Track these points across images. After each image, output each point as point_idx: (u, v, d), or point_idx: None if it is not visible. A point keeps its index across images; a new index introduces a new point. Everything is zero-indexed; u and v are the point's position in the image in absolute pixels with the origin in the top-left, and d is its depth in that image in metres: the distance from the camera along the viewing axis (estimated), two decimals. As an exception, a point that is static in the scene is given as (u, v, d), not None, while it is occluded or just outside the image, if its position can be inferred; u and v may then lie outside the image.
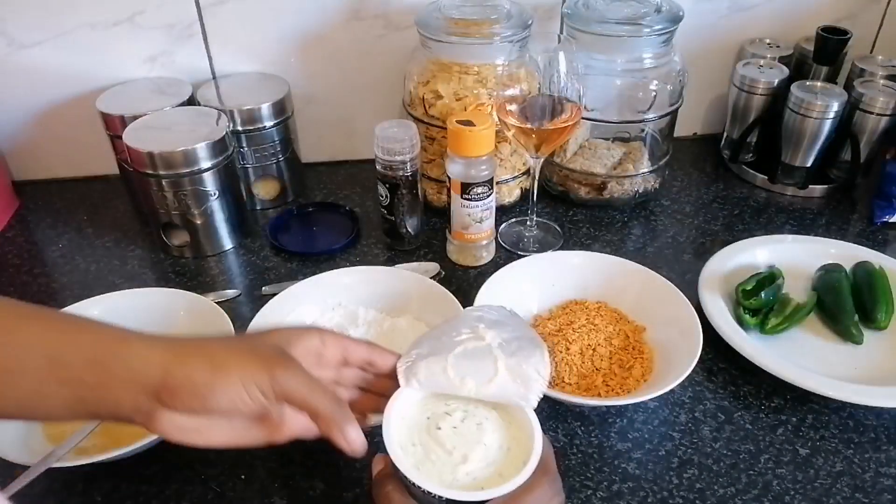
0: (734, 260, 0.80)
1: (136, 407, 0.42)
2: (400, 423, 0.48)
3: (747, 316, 0.72)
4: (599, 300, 0.76)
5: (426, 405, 0.49)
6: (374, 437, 0.47)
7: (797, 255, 0.81)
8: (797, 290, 0.78)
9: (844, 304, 0.74)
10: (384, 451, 0.45)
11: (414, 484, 0.43)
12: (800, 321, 0.74)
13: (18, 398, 0.41)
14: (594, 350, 0.69)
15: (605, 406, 0.65)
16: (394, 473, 0.46)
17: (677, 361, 0.65)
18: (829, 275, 0.78)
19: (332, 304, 0.74)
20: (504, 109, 0.77)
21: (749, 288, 0.74)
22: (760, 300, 0.73)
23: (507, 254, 0.87)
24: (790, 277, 0.77)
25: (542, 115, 0.76)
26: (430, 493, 0.43)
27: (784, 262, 0.80)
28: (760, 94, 0.97)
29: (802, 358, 0.70)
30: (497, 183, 0.86)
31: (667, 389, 0.61)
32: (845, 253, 0.81)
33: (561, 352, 0.68)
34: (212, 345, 0.44)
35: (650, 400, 0.67)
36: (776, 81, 0.96)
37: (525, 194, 0.95)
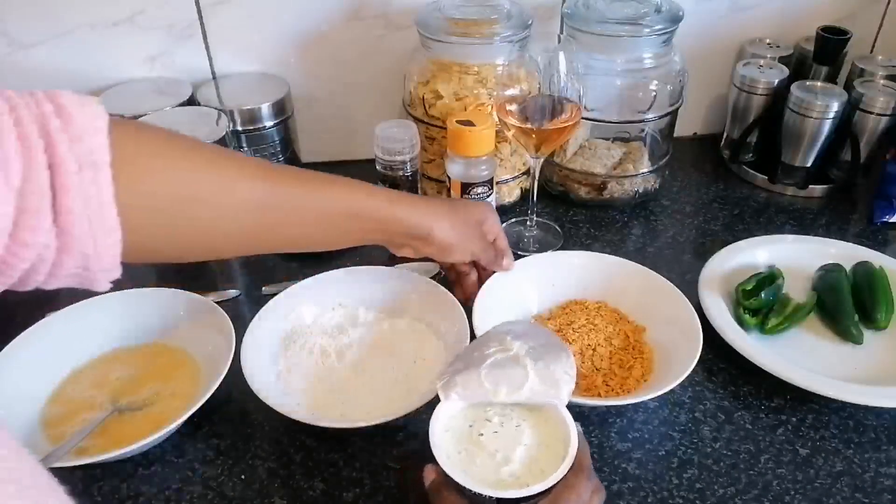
0: (734, 260, 0.80)
1: (399, 243, 0.64)
2: (445, 434, 0.51)
3: (747, 316, 0.72)
4: (599, 300, 0.76)
5: (467, 415, 0.53)
6: (428, 421, 0.52)
7: (797, 255, 0.81)
8: (797, 290, 0.78)
9: (844, 304, 0.74)
10: (432, 461, 0.49)
11: (465, 487, 0.47)
12: (800, 321, 0.74)
13: (328, 236, 0.60)
14: (594, 350, 0.69)
15: (606, 406, 0.65)
16: (445, 480, 0.50)
17: (677, 361, 0.65)
18: (829, 275, 0.78)
19: (332, 304, 0.74)
20: (504, 109, 0.77)
21: (749, 288, 0.74)
22: (760, 300, 0.73)
23: (507, 254, 0.87)
24: (790, 277, 0.77)
25: (542, 115, 0.76)
26: (480, 494, 0.47)
27: (784, 262, 0.80)
28: (760, 94, 0.97)
29: (802, 358, 0.70)
30: (497, 183, 0.86)
31: (667, 389, 0.61)
32: (845, 253, 0.81)
33: None
34: (456, 211, 0.66)
35: (650, 400, 0.67)
36: (776, 81, 0.96)
37: (525, 194, 0.95)
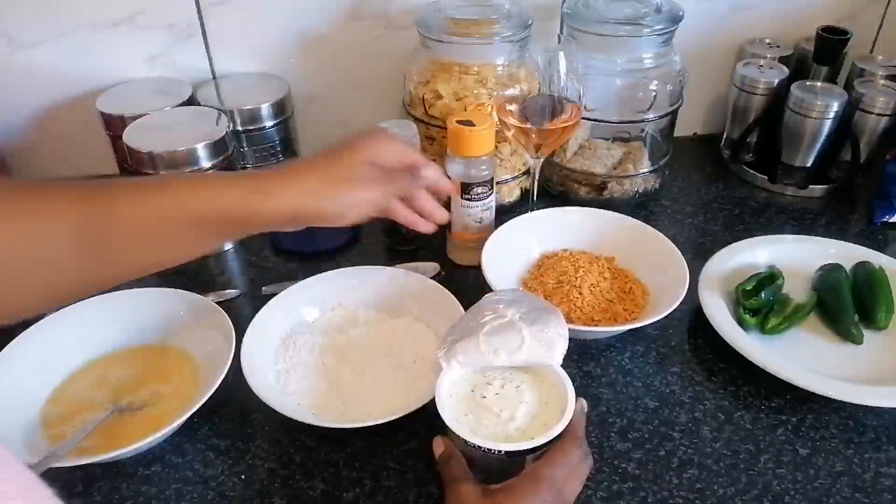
0: (734, 260, 0.80)
1: (274, 229, 0.54)
2: (450, 400, 0.55)
3: (747, 316, 0.72)
4: (564, 248, 0.80)
5: (469, 381, 0.56)
6: (428, 421, 0.55)
7: (797, 255, 0.81)
8: (797, 290, 0.78)
9: (844, 304, 0.74)
10: (440, 434, 0.54)
11: (475, 446, 0.50)
12: (800, 321, 0.74)
13: (175, 250, 0.52)
14: (598, 287, 0.74)
15: (642, 326, 0.68)
16: (453, 447, 0.54)
17: (661, 273, 0.74)
18: (829, 275, 0.78)
19: (332, 304, 0.74)
20: (504, 109, 0.77)
21: (749, 288, 0.74)
22: (760, 300, 0.73)
23: (507, 254, 0.87)
24: (790, 277, 0.77)
25: (542, 115, 0.76)
26: (490, 450, 0.50)
27: (784, 262, 0.80)
28: (760, 94, 0.97)
29: (802, 358, 0.69)
30: (497, 183, 0.86)
31: (683, 293, 0.68)
32: (845, 253, 0.81)
33: (579, 297, 0.73)
34: (333, 166, 0.54)
35: (650, 399, 0.67)
36: (776, 81, 0.96)
37: (525, 194, 0.95)
